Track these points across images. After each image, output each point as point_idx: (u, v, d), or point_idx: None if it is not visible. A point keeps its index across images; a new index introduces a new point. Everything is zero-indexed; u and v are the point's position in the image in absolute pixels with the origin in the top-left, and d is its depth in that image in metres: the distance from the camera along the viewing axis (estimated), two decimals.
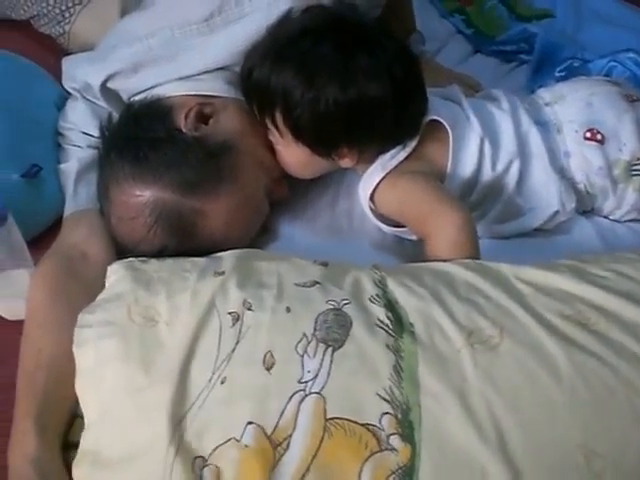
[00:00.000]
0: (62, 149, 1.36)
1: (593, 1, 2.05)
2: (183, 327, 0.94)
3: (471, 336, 0.90)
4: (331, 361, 0.87)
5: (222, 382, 0.88)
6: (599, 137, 1.29)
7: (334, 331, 0.90)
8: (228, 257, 1.09)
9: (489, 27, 1.99)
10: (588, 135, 1.30)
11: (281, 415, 0.84)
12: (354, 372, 0.87)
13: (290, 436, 0.82)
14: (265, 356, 0.89)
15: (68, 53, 1.54)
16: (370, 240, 1.33)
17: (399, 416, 0.83)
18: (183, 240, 1.16)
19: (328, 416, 0.83)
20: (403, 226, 1.28)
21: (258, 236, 1.31)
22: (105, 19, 1.53)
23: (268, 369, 0.87)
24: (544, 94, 1.40)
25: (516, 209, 1.32)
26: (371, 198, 1.27)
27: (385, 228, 1.30)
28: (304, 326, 0.91)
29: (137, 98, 1.30)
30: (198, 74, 1.30)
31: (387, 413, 0.83)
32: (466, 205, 1.25)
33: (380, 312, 0.93)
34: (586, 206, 1.37)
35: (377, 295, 0.96)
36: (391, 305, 0.95)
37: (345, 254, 1.26)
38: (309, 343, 0.89)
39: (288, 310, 0.94)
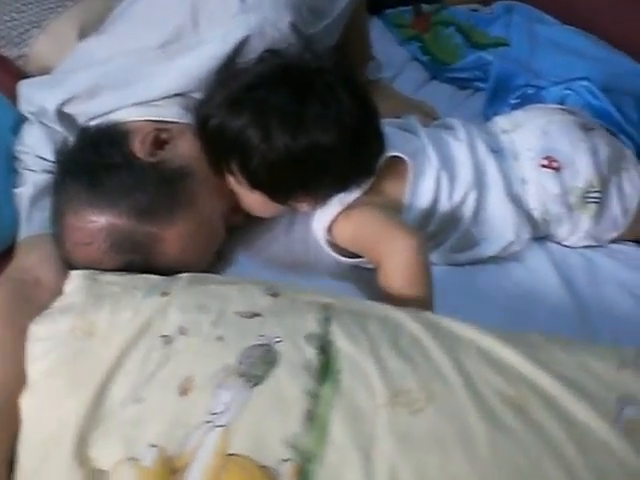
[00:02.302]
0: (18, 173, 1.35)
1: (548, 29, 2.07)
2: (115, 344, 0.94)
3: (396, 396, 0.85)
4: (246, 397, 0.85)
5: (137, 401, 0.87)
6: (555, 165, 1.32)
7: (257, 367, 0.88)
8: (180, 278, 1.08)
9: (445, 55, 2.02)
10: (545, 163, 1.32)
11: (184, 443, 0.82)
12: (266, 412, 0.85)
13: (189, 465, 0.81)
14: (184, 382, 0.87)
15: (27, 76, 1.53)
16: (326, 267, 1.33)
17: (299, 464, 0.80)
18: (138, 265, 1.15)
19: (230, 451, 0.81)
20: (358, 257, 1.29)
21: (213, 262, 1.31)
22: (64, 43, 1.52)
23: (182, 395, 0.87)
24: (501, 122, 1.42)
25: (472, 239, 1.34)
26: (329, 230, 1.27)
27: (341, 259, 1.31)
28: (229, 357, 0.90)
29: (93, 123, 1.29)
30: (155, 100, 1.29)
31: (288, 460, 0.81)
32: (419, 232, 1.25)
33: (311, 354, 0.90)
34: (541, 232, 1.39)
35: (315, 335, 0.93)
36: (325, 348, 0.91)
37: (300, 281, 1.29)
38: (229, 375, 0.88)
39: (219, 339, 0.92)
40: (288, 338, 0.92)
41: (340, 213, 1.25)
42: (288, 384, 0.86)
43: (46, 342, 0.99)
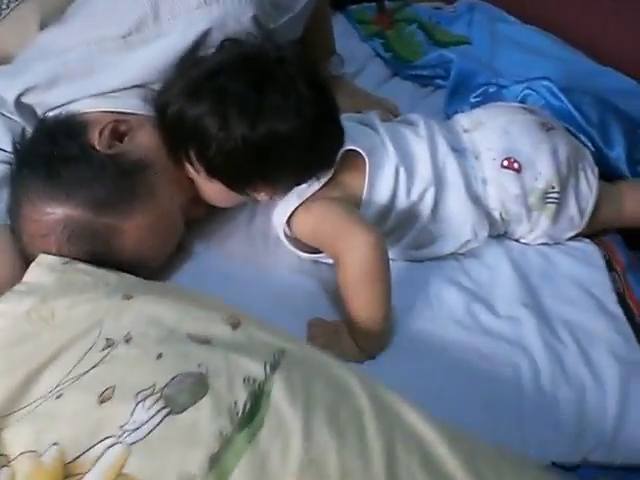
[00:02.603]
0: None
1: (509, 28, 2.10)
2: (61, 335, 0.94)
3: (309, 466, 0.80)
4: (160, 421, 0.82)
5: (57, 397, 0.86)
6: (516, 166, 1.32)
7: (182, 395, 0.84)
8: (148, 284, 1.08)
9: (407, 52, 2.03)
10: (505, 163, 1.33)
11: (86, 451, 0.80)
12: (172, 443, 0.81)
13: (83, 474, 0.79)
14: (106, 390, 0.85)
15: None
16: (286, 262, 1.33)
17: None
18: (96, 258, 1.15)
19: (124, 470, 0.79)
20: (318, 252, 1.30)
21: (172, 254, 1.31)
22: (24, 33, 1.50)
23: (100, 403, 0.84)
24: (463, 120, 1.43)
25: (430, 236, 1.34)
26: (288, 224, 1.27)
27: (300, 254, 1.31)
28: (160, 377, 0.86)
29: (52, 114, 1.28)
30: (114, 91, 1.28)
31: None
32: (378, 228, 1.26)
33: (242, 397, 0.85)
34: (499, 231, 1.40)
35: (254, 379, 0.87)
36: (259, 395, 0.86)
37: (259, 276, 1.30)
38: (152, 395, 0.84)
39: (159, 356, 0.89)
40: (225, 374, 0.88)
41: (299, 207, 1.25)
42: (205, 421, 0.82)
43: (2, 319, 0.99)
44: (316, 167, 1.25)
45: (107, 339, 0.93)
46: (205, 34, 1.24)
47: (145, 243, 1.20)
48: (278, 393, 0.87)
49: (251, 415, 0.84)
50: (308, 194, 1.25)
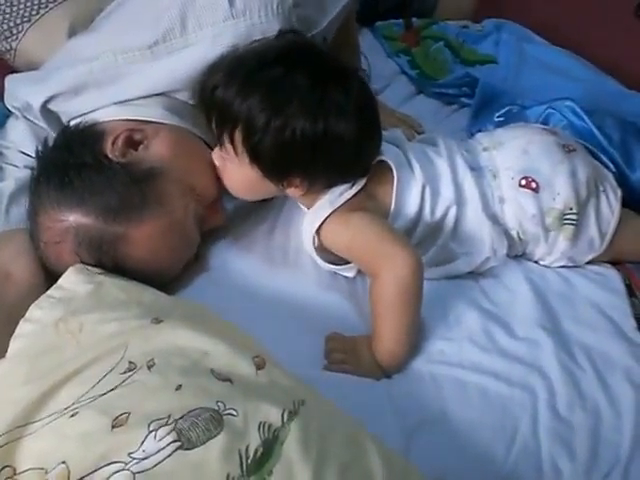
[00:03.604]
0: (0, 168, 1.35)
1: (535, 49, 2.09)
2: (86, 352, 0.94)
3: None
4: (169, 455, 0.80)
5: (72, 415, 0.85)
6: (534, 185, 1.32)
7: (195, 430, 0.82)
8: (182, 308, 1.07)
9: (433, 69, 2.03)
10: (523, 183, 1.32)
11: (91, 473, 0.79)
12: (178, 479, 0.79)
13: None
14: (121, 414, 0.83)
15: (14, 71, 1.53)
16: (304, 275, 1.33)
17: None
18: (107, 266, 1.16)
19: None
20: (340, 264, 1.30)
21: (188, 265, 1.31)
22: (52, 39, 1.52)
23: (113, 427, 0.82)
24: (483, 139, 1.42)
25: (449, 254, 1.34)
26: (317, 232, 1.27)
27: (322, 264, 1.31)
28: (176, 408, 0.84)
29: (73, 122, 1.30)
30: (137, 99, 1.30)
31: None
32: (417, 250, 1.25)
33: (255, 442, 0.83)
34: (517, 251, 1.39)
35: (270, 426, 0.85)
36: (272, 442, 0.84)
37: (277, 289, 1.30)
38: (165, 425, 0.82)
39: (179, 387, 0.87)
40: (242, 416, 0.85)
41: (332, 214, 1.24)
42: (214, 462, 0.80)
43: (33, 325, 1.01)
44: (355, 172, 1.25)
45: (130, 362, 0.91)
46: (231, 50, 1.24)
47: (156, 252, 1.21)
48: (292, 444, 0.84)
49: (261, 462, 0.82)
50: (341, 201, 1.24)
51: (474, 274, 1.36)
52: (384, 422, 1.09)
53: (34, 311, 1.05)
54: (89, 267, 1.14)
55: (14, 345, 1.02)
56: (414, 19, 2.25)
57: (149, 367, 0.91)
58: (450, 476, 1.04)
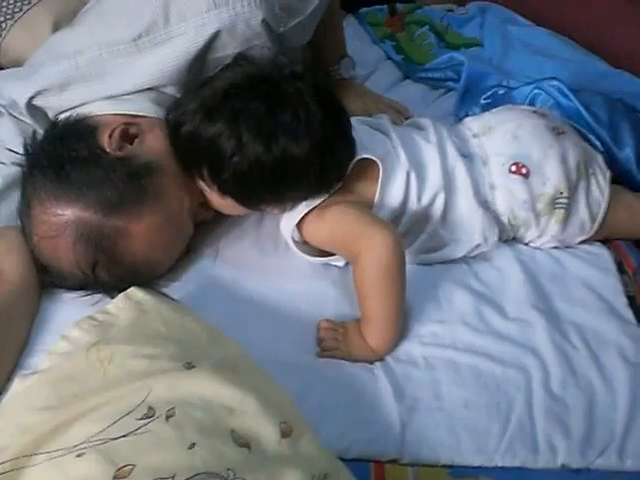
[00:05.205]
0: None
1: (520, 30, 2.08)
2: (109, 387, 0.91)
3: None
4: None
5: (78, 455, 0.81)
6: (524, 171, 1.32)
7: None
8: (213, 358, 1.00)
9: (418, 54, 2.03)
10: (513, 169, 1.32)
11: None
12: None
13: None
14: (126, 466, 0.79)
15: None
16: (296, 265, 1.33)
17: None
18: (104, 259, 1.16)
19: None
20: (327, 255, 1.30)
21: (181, 257, 1.32)
22: (37, 35, 1.52)
23: (115, 478, 0.77)
24: (472, 124, 1.42)
25: (440, 240, 1.35)
26: (298, 229, 1.28)
27: (311, 259, 1.31)
28: (183, 469, 0.79)
29: (63, 116, 1.29)
30: (125, 94, 1.29)
31: None
32: (396, 229, 1.26)
33: None
34: (508, 236, 1.39)
35: None
36: None
37: (268, 279, 1.30)
38: None
39: (192, 446, 0.82)
40: None
41: (308, 213, 1.25)
42: None
43: (69, 345, 1.00)
44: (328, 183, 1.25)
45: (149, 407, 0.87)
46: (214, 37, 1.24)
47: (153, 245, 1.21)
48: None
49: None
50: (317, 202, 1.25)
51: (465, 257, 1.36)
52: (379, 404, 1.10)
53: (73, 330, 1.05)
54: (141, 294, 1.12)
55: (46, 361, 1.01)
56: (398, 4, 2.26)
57: (167, 417, 0.86)
58: (445, 457, 1.05)
